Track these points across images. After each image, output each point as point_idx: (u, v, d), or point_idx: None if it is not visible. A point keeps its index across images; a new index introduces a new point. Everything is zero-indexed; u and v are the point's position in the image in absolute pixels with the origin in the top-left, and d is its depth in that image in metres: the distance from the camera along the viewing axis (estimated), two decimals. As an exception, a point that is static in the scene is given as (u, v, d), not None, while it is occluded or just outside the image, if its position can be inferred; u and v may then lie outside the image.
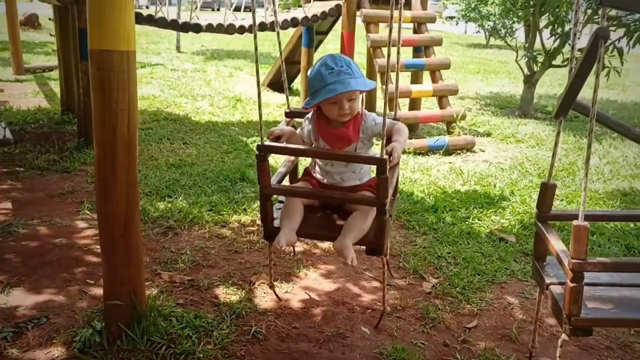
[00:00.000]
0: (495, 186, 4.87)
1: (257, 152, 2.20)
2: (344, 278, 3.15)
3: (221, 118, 7.07)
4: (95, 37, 2.09)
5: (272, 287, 2.83)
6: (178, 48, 13.72)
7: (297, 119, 2.71)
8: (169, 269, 3.15)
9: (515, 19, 14.94)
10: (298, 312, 2.79)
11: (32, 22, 16.56)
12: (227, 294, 2.90)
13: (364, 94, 2.45)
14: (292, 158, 2.69)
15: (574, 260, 1.73)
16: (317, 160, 2.52)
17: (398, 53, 2.43)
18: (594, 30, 1.75)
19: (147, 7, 7.47)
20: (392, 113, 2.68)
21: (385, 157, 2.10)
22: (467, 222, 4.00)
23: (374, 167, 2.24)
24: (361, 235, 2.27)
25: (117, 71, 2.10)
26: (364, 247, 2.31)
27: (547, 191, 2.10)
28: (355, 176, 2.47)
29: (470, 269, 3.30)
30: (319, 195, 2.44)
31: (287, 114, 2.68)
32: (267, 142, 2.28)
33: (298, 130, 2.56)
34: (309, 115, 2.51)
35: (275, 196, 2.48)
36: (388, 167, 2.13)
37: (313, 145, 2.48)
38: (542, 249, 2.13)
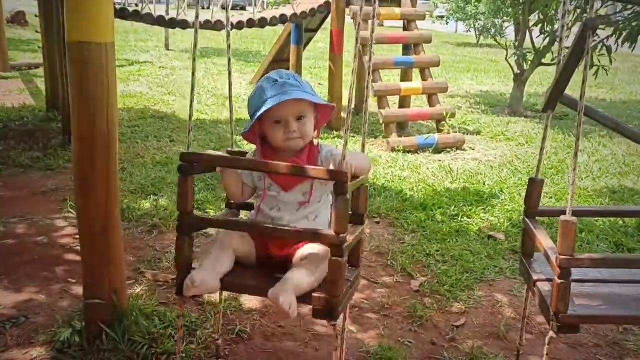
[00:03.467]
0: (484, 184, 4.85)
1: (180, 163, 1.74)
2: (331, 276, 3.11)
3: (209, 116, 7.01)
4: (72, 28, 2.04)
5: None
6: (167, 46, 13.62)
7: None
8: (152, 267, 3.10)
9: (505, 18, 15.02)
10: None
11: (19, 19, 16.40)
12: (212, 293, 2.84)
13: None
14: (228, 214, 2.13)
15: (562, 257, 1.70)
16: (261, 206, 1.95)
17: (371, 47, 1.96)
18: (583, 21, 1.72)
19: (136, 5, 7.36)
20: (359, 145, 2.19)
21: (346, 169, 1.66)
22: (456, 220, 3.97)
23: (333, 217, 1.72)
24: (306, 288, 1.72)
25: (95, 64, 2.04)
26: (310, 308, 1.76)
27: (534, 187, 2.06)
28: (307, 225, 1.89)
29: (459, 267, 3.27)
30: (256, 227, 1.86)
31: (229, 154, 2.10)
32: (195, 152, 1.83)
33: (239, 171, 2.00)
34: (250, 154, 2.04)
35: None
36: (349, 186, 1.65)
37: (256, 189, 1.99)
38: (529, 245, 2.10)
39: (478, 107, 8.84)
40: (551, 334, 1.81)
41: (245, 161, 1.89)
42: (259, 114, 1.84)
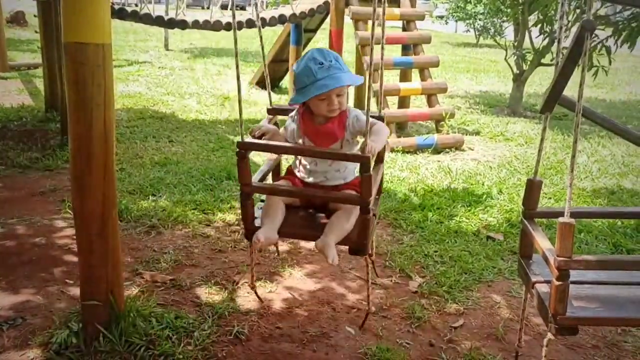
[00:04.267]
0: (483, 184, 4.84)
1: (237, 149, 2.15)
2: (329, 277, 3.10)
3: (208, 116, 7.00)
4: (69, 29, 2.03)
5: (253, 287, 2.76)
6: (166, 46, 13.61)
7: (280, 117, 2.66)
8: (150, 268, 3.09)
9: (504, 18, 15.00)
10: (281, 312, 2.74)
11: (18, 19, 16.38)
12: (210, 294, 2.84)
13: (354, 90, 2.46)
14: (275, 156, 2.64)
15: (560, 258, 1.70)
16: (301, 158, 2.45)
17: (382, 49, 2.39)
18: (580, 23, 1.71)
19: (135, 5, 7.34)
20: (378, 111, 2.61)
21: (369, 154, 2.06)
22: (454, 221, 3.97)
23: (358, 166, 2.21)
24: (344, 234, 2.23)
25: (92, 65, 2.04)
26: (347, 247, 2.26)
27: (533, 188, 2.06)
28: (339, 175, 2.42)
29: (457, 268, 3.26)
30: (300, 194, 2.38)
31: (269, 111, 2.63)
32: (248, 139, 2.23)
33: (281, 130, 2.50)
34: (293, 113, 2.45)
35: (257, 195, 2.44)
36: (372, 164, 2.09)
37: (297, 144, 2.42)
38: (528, 246, 2.10)
39: (477, 107, 8.83)
40: (549, 335, 1.81)
41: (289, 148, 2.34)
42: (310, 95, 2.21)
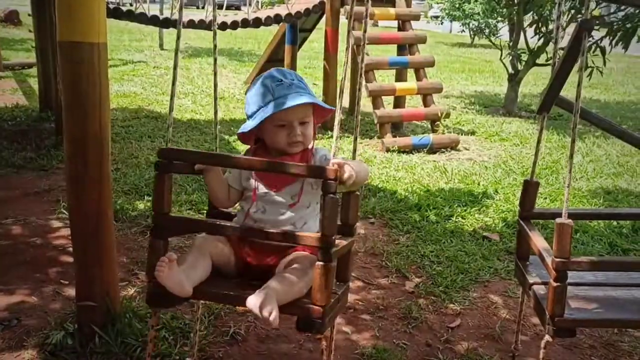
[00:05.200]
0: (479, 184, 4.85)
1: (157, 160, 1.66)
2: (326, 277, 3.10)
3: (204, 116, 6.98)
4: (64, 28, 2.01)
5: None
6: (161, 45, 13.56)
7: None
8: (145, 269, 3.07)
9: (499, 18, 15.03)
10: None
11: (12, 18, 16.30)
12: (206, 295, 2.83)
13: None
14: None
15: (557, 259, 1.70)
16: (250, 208, 1.80)
17: (363, 52, 1.94)
18: (578, 22, 1.71)
19: (130, 5, 7.29)
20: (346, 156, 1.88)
21: (334, 167, 1.58)
22: (450, 221, 3.97)
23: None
24: (289, 297, 1.60)
25: (87, 64, 2.03)
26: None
27: (529, 189, 2.06)
28: (295, 230, 1.75)
29: (454, 268, 3.26)
30: (238, 229, 1.71)
31: None
32: (174, 147, 1.73)
33: (231, 174, 1.89)
34: (242, 153, 1.92)
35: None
36: (337, 185, 1.57)
37: (245, 191, 1.85)
38: (524, 247, 2.10)
39: (472, 107, 8.85)
40: (547, 337, 1.81)
41: (229, 158, 1.74)
42: (266, 115, 1.73)
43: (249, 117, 1.81)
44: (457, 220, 3.99)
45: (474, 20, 18.06)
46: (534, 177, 2.06)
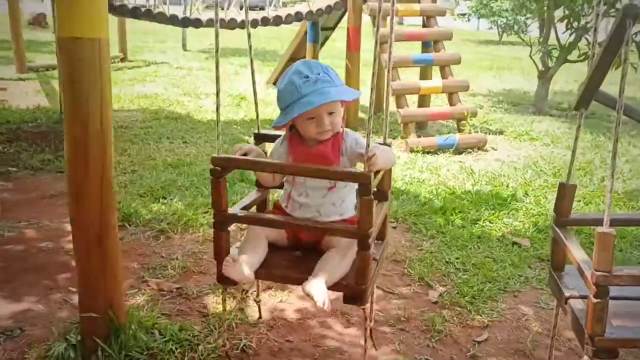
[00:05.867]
0: (507, 186, 4.63)
1: (212, 167, 1.86)
2: (344, 286, 2.93)
3: (224, 116, 6.88)
4: (63, 23, 1.89)
5: (258, 302, 2.57)
6: (184, 46, 13.58)
7: (268, 144, 2.29)
8: (157, 275, 2.96)
9: (528, 15, 14.67)
10: (293, 323, 2.58)
11: (39, 21, 16.53)
12: (217, 303, 2.69)
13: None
14: (260, 189, 2.27)
15: (598, 273, 1.51)
16: (290, 190, 2.08)
17: (391, 47, 2.00)
18: (621, 9, 1.52)
19: (149, 5, 7.21)
20: (380, 140, 2.11)
21: (370, 173, 1.74)
22: (477, 225, 3.77)
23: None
24: (337, 277, 1.87)
25: (87, 61, 1.90)
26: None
27: (565, 193, 1.87)
28: (334, 210, 2.04)
29: (481, 276, 3.07)
30: (287, 223, 1.96)
31: (256, 136, 2.27)
32: (225, 155, 1.90)
33: (271, 152, 2.15)
34: (279, 140, 2.11)
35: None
36: (372, 187, 1.77)
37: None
38: (560, 257, 1.91)
39: (501, 105, 8.59)
40: (585, 358, 1.62)
41: (273, 165, 1.99)
42: (293, 115, 1.89)
43: (281, 110, 1.99)
44: (484, 224, 3.78)
45: (502, 17, 17.71)
46: (571, 179, 1.86)
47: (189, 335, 2.38)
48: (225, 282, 1.93)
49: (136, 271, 2.98)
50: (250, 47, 2.09)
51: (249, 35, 2.09)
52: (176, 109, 7.18)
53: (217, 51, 2.01)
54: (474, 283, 2.99)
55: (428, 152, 5.68)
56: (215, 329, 2.46)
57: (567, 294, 1.78)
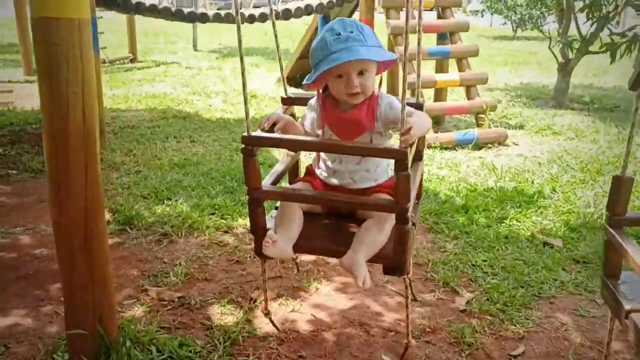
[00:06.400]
0: (532, 182, 4.34)
1: (243, 146, 1.80)
2: (362, 293, 2.68)
3: (234, 115, 6.66)
4: (37, 2, 1.66)
5: (268, 314, 2.28)
6: (195, 46, 13.37)
7: (298, 107, 2.27)
8: (158, 283, 2.72)
9: (543, 9, 14.28)
10: (306, 336, 2.33)
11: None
12: (222, 314, 2.45)
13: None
14: (291, 153, 2.23)
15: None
16: (322, 155, 2.07)
17: (419, 32, 1.90)
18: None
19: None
20: (415, 99, 2.15)
21: (405, 148, 1.67)
22: (504, 224, 3.49)
23: (392, 164, 1.81)
24: (376, 249, 1.85)
25: (66, 45, 1.67)
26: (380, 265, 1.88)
27: (621, 187, 1.60)
28: (369, 176, 2.03)
29: (512, 280, 2.80)
30: (320, 199, 1.95)
31: (284, 101, 2.25)
32: (256, 133, 1.84)
33: (299, 120, 2.15)
34: (313, 100, 2.09)
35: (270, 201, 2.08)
36: (409, 159, 1.70)
37: (318, 137, 2.04)
38: (615, 262, 1.64)
39: (519, 99, 8.27)
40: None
41: (306, 142, 1.92)
42: (320, 71, 1.83)
43: (312, 67, 1.91)
44: (511, 223, 3.51)
45: (516, 12, 17.33)
46: (627, 171, 1.59)
47: (190, 351, 2.14)
48: (264, 257, 1.93)
49: (135, 279, 2.75)
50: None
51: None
52: (185, 108, 6.97)
53: (239, 27, 1.80)
54: (504, 288, 2.72)
55: (446, 148, 5.40)
56: (220, 343, 2.21)
57: (627, 306, 1.51)
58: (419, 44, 1.91)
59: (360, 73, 1.88)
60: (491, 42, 17.85)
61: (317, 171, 2.10)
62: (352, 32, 1.83)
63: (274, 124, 1.99)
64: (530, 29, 17.29)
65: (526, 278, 2.83)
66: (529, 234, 3.37)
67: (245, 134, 1.80)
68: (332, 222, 2.05)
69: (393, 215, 1.79)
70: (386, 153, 1.77)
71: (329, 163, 2.04)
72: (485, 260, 3.02)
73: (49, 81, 1.69)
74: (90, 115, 1.74)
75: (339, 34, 1.83)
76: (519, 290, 2.71)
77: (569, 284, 2.80)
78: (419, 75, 2.09)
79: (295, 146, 2.01)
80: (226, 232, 3.35)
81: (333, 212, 2.08)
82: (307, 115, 2.09)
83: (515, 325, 2.43)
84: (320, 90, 2.04)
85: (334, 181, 2.03)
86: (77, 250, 1.82)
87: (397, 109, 1.87)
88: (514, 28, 18.86)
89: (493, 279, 2.83)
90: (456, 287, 2.74)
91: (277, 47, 2.23)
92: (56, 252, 1.90)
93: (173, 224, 3.38)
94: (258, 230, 1.91)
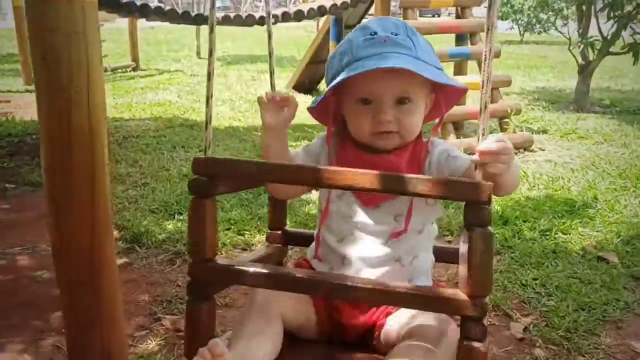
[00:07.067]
0: (569, 190, 4.03)
1: (194, 176, 1.16)
2: None
3: (243, 123, 6.37)
4: (31, -20, 1.37)
5: None
6: (199, 54, 13.13)
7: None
8: (172, 310, 2.42)
9: (550, 13, 14.04)
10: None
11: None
12: (248, 348, 2.14)
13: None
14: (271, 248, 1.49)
15: None
16: (326, 233, 1.27)
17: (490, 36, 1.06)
18: None
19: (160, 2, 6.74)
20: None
21: (488, 183, 0.98)
22: (549, 237, 3.18)
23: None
24: None
25: (66, 31, 1.37)
26: None
27: None
28: (399, 272, 1.23)
29: (571, 302, 2.48)
30: (321, 284, 1.08)
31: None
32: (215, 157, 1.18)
33: (299, 150, 1.38)
34: (314, 143, 1.37)
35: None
36: (492, 204, 1.02)
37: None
38: None
39: (538, 103, 7.97)
40: None
41: (297, 168, 1.15)
42: (334, 82, 1.18)
43: (327, 84, 1.27)
44: (557, 236, 3.19)
45: (523, 15, 17.09)
46: None
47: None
48: None
49: (147, 306, 2.44)
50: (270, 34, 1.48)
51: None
52: (191, 116, 6.69)
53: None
54: (564, 311, 2.40)
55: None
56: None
57: None
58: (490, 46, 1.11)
59: (400, 102, 1.20)
60: (499, 47, 17.60)
61: (314, 262, 1.31)
62: (396, 35, 1.18)
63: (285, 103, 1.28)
64: (538, 33, 17.09)
65: (586, 299, 2.51)
66: (579, 247, 3.05)
67: (201, 155, 1.17)
68: (331, 354, 1.21)
69: (451, 335, 1.07)
70: (454, 189, 1.00)
71: (334, 244, 1.25)
72: (536, 279, 2.70)
73: (46, 75, 1.40)
74: (97, 118, 1.44)
75: (374, 33, 1.18)
76: (580, 314, 2.39)
77: (634, 305, 2.48)
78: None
79: (279, 176, 1.15)
80: (244, 249, 3.05)
81: (335, 335, 1.25)
82: (310, 149, 1.36)
83: (584, 356, 2.12)
84: (332, 129, 1.30)
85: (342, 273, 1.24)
86: (81, 282, 1.52)
87: (460, 158, 1.23)
88: (522, 32, 18.62)
89: (549, 300, 2.51)
90: (508, 311, 2.43)
91: (270, 54, 1.59)
92: (57, 283, 1.60)
93: (186, 241, 3.07)
94: (200, 331, 1.15)
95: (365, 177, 1.01)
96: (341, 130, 1.30)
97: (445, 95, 1.27)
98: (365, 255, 1.21)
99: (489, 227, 0.98)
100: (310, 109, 1.30)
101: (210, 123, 1.21)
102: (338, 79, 1.17)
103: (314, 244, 1.32)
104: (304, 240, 1.47)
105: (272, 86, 1.47)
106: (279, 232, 1.49)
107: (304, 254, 1.42)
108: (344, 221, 1.23)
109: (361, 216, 1.22)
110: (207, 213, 1.15)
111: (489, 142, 1.03)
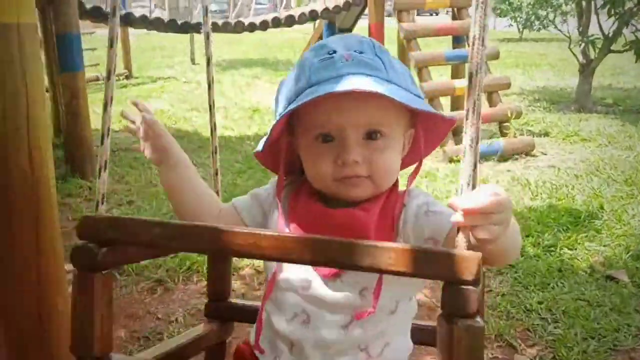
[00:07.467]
0: (574, 199, 3.85)
1: (80, 243, 0.89)
2: None
3: (235, 132, 6.20)
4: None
5: None
6: (192, 60, 12.96)
7: None
8: (150, 346, 2.24)
9: (549, 9, 13.86)
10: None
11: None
12: (230, 392, 1.96)
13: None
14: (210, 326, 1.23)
15: None
16: (270, 308, 1.01)
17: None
18: None
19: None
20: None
21: (476, 253, 0.74)
22: (553, 253, 3.00)
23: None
24: None
25: (3, 58, 1.20)
26: None
27: None
28: (363, 357, 0.97)
29: (579, 329, 2.30)
30: None
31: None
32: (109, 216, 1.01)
33: (246, 198, 1.11)
34: (264, 188, 1.10)
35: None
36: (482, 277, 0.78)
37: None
38: None
39: (538, 104, 7.80)
40: None
41: (222, 232, 0.83)
42: (280, 115, 0.94)
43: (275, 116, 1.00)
44: (562, 252, 3.01)
45: (522, 12, 16.92)
46: None
47: None
48: None
49: (123, 344, 2.27)
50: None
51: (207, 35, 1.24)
52: (183, 126, 6.52)
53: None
54: (571, 340, 2.23)
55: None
56: None
57: None
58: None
59: (370, 136, 0.94)
60: (497, 45, 17.40)
61: (256, 348, 1.03)
62: (361, 53, 0.93)
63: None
64: (537, 30, 16.91)
65: (595, 325, 2.34)
66: (586, 264, 2.88)
67: (90, 213, 0.98)
68: None
69: None
70: (433, 263, 0.74)
71: (281, 325, 0.98)
72: (541, 302, 2.52)
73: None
74: (43, 158, 1.27)
75: (333, 52, 0.94)
76: (590, 343, 2.22)
77: (648, 331, 2.30)
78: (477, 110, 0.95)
79: (195, 246, 0.91)
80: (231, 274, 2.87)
81: None
82: (249, 207, 1.08)
83: (597, 394, 1.94)
84: (284, 177, 1.05)
85: None
86: (26, 348, 1.34)
87: (444, 214, 0.92)
88: (520, 29, 18.45)
89: (555, 327, 2.33)
90: (512, 341, 2.25)
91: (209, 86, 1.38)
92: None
93: (168, 267, 2.90)
94: None
95: (298, 243, 0.75)
96: (297, 178, 1.04)
97: (427, 132, 1.02)
98: (321, 341, 0.94)
99: (479, 320, 0.71)
100: (257, 154, 1.02)
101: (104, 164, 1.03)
102: (283, 111, 0.94)
103: (256, 329, 1.01)
104: (253, 315, 1.09)
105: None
106: (221, 303, 1.21)
107: (248, 333, 1.09)
108: (296, 294, 0.96)
109: (318, 289, 0.94)
110: (97, 293, 0.86)
111: (477, 196, 0.76)
